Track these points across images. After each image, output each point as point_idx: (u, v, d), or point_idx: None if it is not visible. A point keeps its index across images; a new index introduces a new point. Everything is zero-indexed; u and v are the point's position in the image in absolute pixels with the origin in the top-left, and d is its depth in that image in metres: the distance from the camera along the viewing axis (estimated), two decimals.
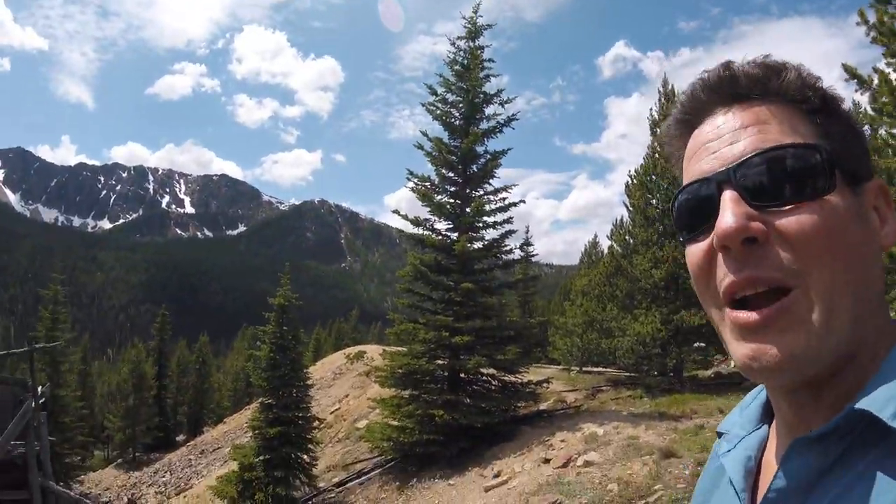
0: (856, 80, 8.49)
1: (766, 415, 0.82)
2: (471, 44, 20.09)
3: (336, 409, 27.19)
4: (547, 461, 13.41)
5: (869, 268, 0.68)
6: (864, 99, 8.67)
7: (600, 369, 28.75)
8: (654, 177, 22.37)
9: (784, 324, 0.65)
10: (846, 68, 8.64)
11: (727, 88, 0.74)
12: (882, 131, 8.50)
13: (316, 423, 21.26)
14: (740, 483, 0.76)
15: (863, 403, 0.61)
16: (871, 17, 8.32)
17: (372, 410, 21.69)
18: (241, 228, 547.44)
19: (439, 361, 17.93)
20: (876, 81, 8.02)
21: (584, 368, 27.29)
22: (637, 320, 20.60)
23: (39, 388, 20.51)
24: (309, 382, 21.84)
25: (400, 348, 18.73)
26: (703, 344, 21.29)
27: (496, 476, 13.80)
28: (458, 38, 20.16)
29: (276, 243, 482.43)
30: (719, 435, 0.88)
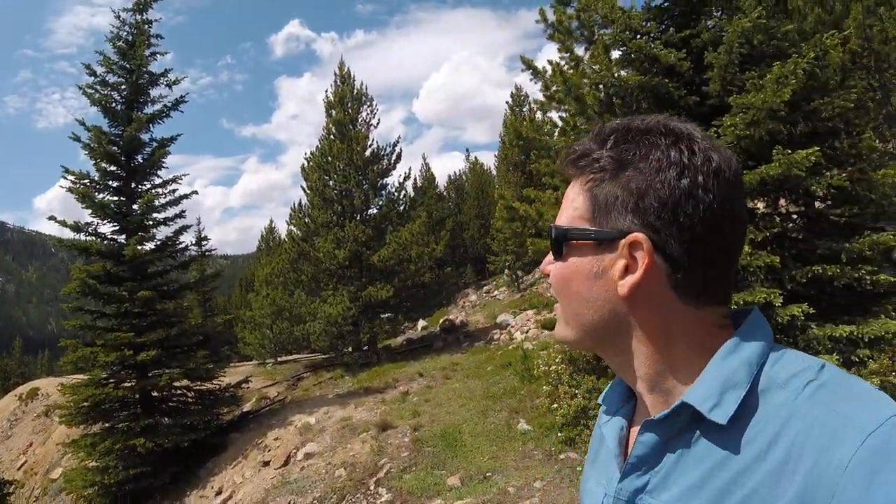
0: (531, 71, 9.59)
1: (632, 394, 1.07)
2: (138, 17, 17.95)
3: (23, 464, 22.89)
4: (266, 464, 13.04)
5: (603, 307, 0.94)
6: (536, 88, 9.85)
7: (296, 357, 28.62)
8: (330, 158, 22.66)
9: (558, 319, 1.02)
10: (523, 60, 9.76)
11: (570, 167, 1.00)
12: (553, 115, 9.77)
13: (8, 489, 17.82)
14: (615, 448, 1.03)
15: (687, 398, 0.87)
16: (551, 17, 9.44)
17: (64, 455, 18.74)
18: None
19: (127, 384, 16.11)
20: (549, 72, 9.14)
21: (279, 359, 26.87)
22: (326, 302, 20.83)
23: None
24: None
25: (79, 377, 16.34)
26: (390, 314, 22.32)
27: (218, 493, 13.08)
28: (124, 9, 17.84)
29: None
30: (599, 406, 1.14)
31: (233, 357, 33.73)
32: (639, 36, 8.10)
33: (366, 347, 21.88)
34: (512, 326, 20.67)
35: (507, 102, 34.42)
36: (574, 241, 0.96)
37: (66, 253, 17.68)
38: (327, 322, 20.53)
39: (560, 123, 10.39)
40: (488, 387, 14.02)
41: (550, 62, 9.16)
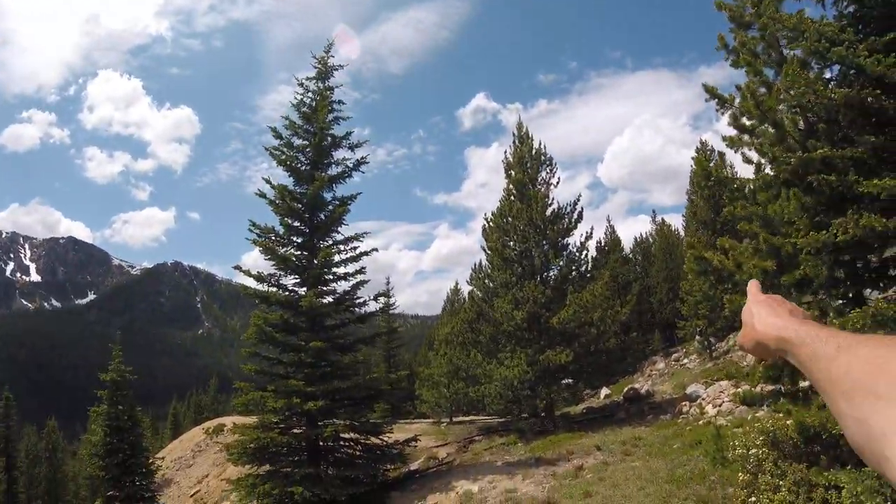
0: (716, 100, 8.49)
1: None
2: (320, 84, 19.27)
3: (196, 492, 24.75)
4: None
5: None
6: (722, 125, 8.69)
7: (471, 418, 28.03)
8: (510, 219, 22.27)
9: None
10: (706, 88, 8.72)
11: None
12: (746, 151, 8.51)
13: None
14: None
15: None
16: (731, 42, 8.44)
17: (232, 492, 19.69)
18: (91, 296, 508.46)
19: (295, 431, 16.41)
20: (738, 100, 8.04)
21: (454, 419, 26.42)
22: (503, 364, 20.11)
23: None
24: (155, 467, 19.69)
25: (249, 420, 17.00)
26: (570, 380, 21.09)
27: None
28: (307, 78, 19.27)
29: (128, 311, 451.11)
30: None
31: (412, 413, 33.98)
32: (836, 46, 6.74)
33: (542, 414, 20.74)
34: (703, 399, 18.52)
35: (692, 157, 32.24)
36: None
37: (250, 302, 18.73)
38: (503, 385, 19.78)
39: (755, 160, 8.99)
40: (673, 468, 12.33)
41: (738, 87, 7.96)
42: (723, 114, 8.39)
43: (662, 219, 45.87)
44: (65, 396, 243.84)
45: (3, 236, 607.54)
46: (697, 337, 28.80)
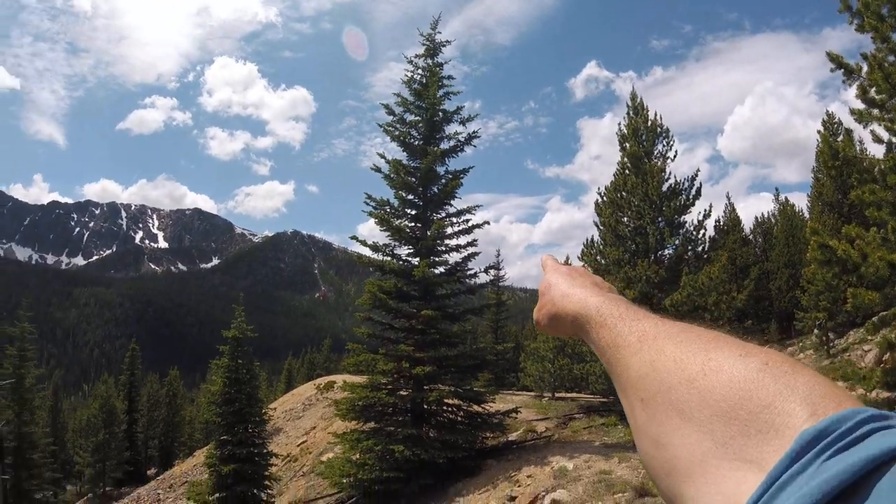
0: (842, 70, 7.88)
1: None
2: (429, 61, 19.51)
3: (303, 442, 26.26)
4: (513, 499, 12.55)
5: None
6: (850, 95, 8.04)
7: (574, 395, 27.81)
8: (624, 193, 21.68)
9: None
10: (831, 56, 8.10)
11: None
12: (875, 127, 7.86)
13: (273, 461, 20.30)
14: None
15: None
16: (854, 3, 7.74)
17: (336, 444, 20.73)
18: (216, 261, 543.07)
19: (402, 393, 16.98)
20: (865, 68, 7.39)
21: (556, 395, 26.31)
22: None
23: None
24: (267, 417, 20.92)
25: (359, 379, 17.75)
26: None
27: None
28: (416, 55, 19.58)
29: (250, 275, 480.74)
30: None
31: (514, 384, 34.13)
32: None
33: None
34: None
35: (818, 132, 29.99)
36: None
37: (366, 269, 19.52)
38: None
39: (885, 138, 8.21)
40: None
41: (865, 55, 7.34)
42: (850, 85, 7.78)
43: (786, 198, 42.89)
44: (188, 350, 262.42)
45: (133, 208, 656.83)
46: (816, 331, 27.03)
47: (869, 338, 20.68)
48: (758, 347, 0.56)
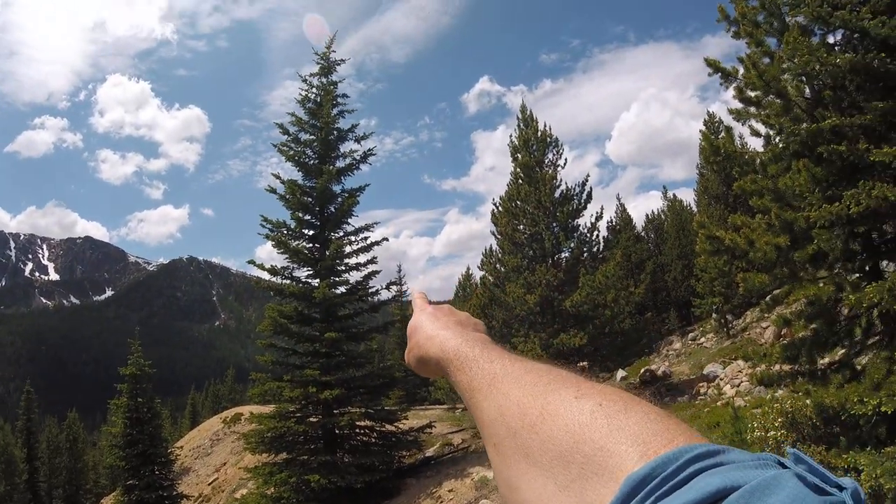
0: (720, 74, 8.36)
1: None
2: (324, 80, 19.37)
3: (214, 480, 25.14)
4: None
5: None
6: (729, 96, 8.55)
7: None
8: (518, 202, 22.17)
9: None
10: (708, 62, 8.61)
11: None
12: (754, 123, 8.36)
13: (184, 503, 19.40)
14: None
15: None
16: (732, 13, 8.29)
17: (249, 480, 20.00)
18: (109, 293, 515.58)
19: (312, 419, 16.59)
20: (742, 70, 7.88)
21: None
22: (516, 349, 19.99)
23: None
24: (174, 456, 20.03)
25: (266, 409, 17.25)
26: (585, 363, 21.01)
27: None
28: (311, 74, 19.40)
29: (146, 306, 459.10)
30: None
31: (427, 399, 34.06)
32: (838, 10, 6.58)
33: None
34: (721, 379, 18.40)
35: (700, 131, 31.77)
36: None
37: (265, 294, 19.06)
38: None
39: (763, 132, 8.82)
40: None
41: (741, 58, 7.82)
42: (727, 87, 8.27)
43: (674, 194, 45.40)
44: (84, 390, 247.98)
45: (21, 238, 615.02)
46: (714, 315, 28.49)
47: (765, 316, 21.96)
48: (595, 387, 0.56)
